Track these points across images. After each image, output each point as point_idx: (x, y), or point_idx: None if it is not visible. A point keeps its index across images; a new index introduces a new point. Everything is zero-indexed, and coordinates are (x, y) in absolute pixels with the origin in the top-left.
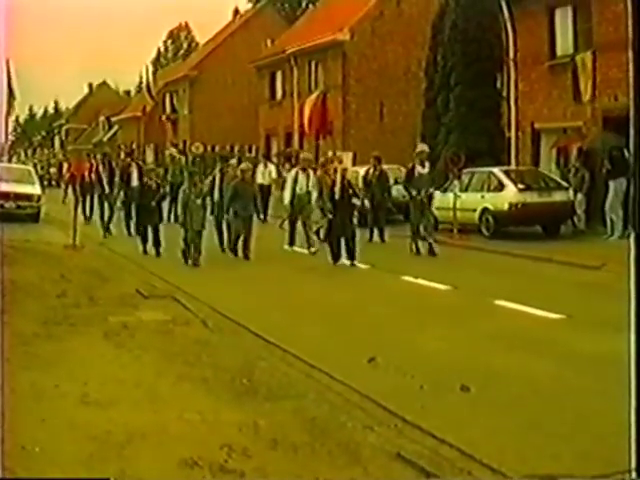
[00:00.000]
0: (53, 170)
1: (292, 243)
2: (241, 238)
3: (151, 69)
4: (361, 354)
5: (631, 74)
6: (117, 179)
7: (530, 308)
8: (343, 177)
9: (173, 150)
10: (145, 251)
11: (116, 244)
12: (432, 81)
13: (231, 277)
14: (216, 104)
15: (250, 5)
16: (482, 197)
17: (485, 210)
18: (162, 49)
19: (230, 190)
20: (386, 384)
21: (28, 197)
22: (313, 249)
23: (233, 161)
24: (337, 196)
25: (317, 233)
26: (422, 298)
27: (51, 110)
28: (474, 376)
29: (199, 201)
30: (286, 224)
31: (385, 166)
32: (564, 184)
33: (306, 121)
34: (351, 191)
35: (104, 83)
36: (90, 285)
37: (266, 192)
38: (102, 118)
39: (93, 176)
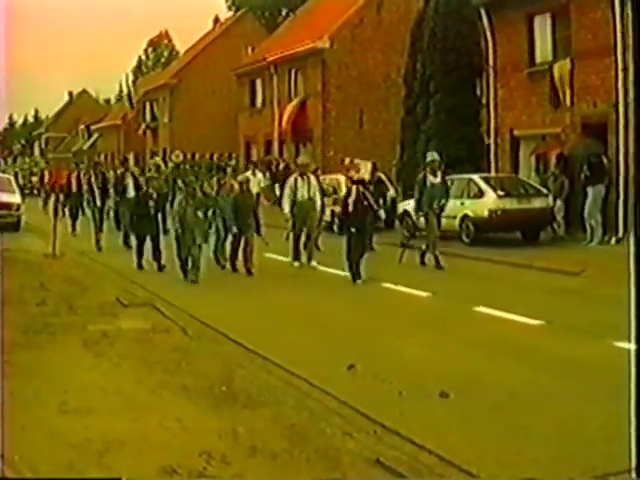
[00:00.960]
0: (35, 179)
1: (297, 257)
2: (240, 251)
3: (131, 77)
4: (341, 361)
5: (631, 76)
6: (111, 189)
7: (509, 314)
8: (358, 188)
9: (158, 159)
10: (140, 266)
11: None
12: (411, 88)
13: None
14: (196, 112)
15: (230, 13)
16: (462, 204)
17: (465, 217)
18: (143, 57)
19: (230, 203)
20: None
21: (8, 206)
22: (297, 263)
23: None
24: (350, 209)
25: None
26: (402, 305)
27: (31, 119)
28: (453, 382)
29: (200, 213)
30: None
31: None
32: (543, 191)
33: (285, 127)
34: (366, 203)
35: (84, 91)
36: (70, 294)
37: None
38: (82, 126)
39: (84, 186)
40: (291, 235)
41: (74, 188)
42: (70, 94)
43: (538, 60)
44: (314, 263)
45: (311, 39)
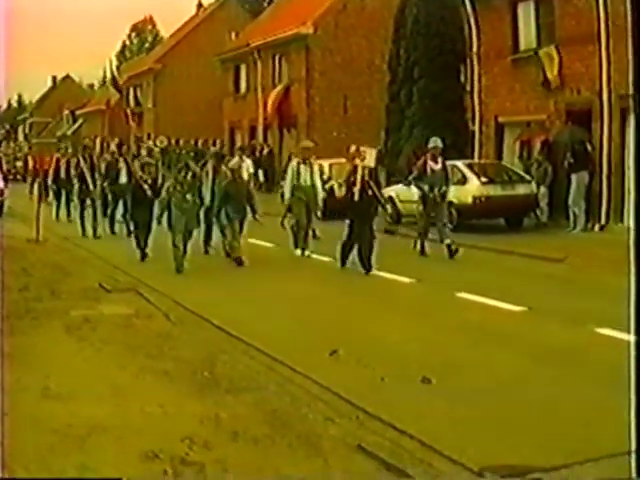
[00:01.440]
0: (19, 164)
1: (299, 245)
2: (232, 240)
3: (115, 62)
4: (323, 346)
5: (631, 71)
6: (102, 175)
7: (492, 300)
8: (363, 177)
9: (150, 143)
10: (144, 256)
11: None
12: (395, 74)
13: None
14: (180, 97)
15: None
16: None
17: (449, 203)
18: (127, 42)
19: (221, 191)
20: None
21: None
22: (298, 251)
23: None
24: (356, 198)
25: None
26: (386, 291)
27: (14, 104)
28: (435, 368)
29: (190, 197)
30: (286, 222)
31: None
32: (527, 177)
33: (270, 113)
34: (371, 192)
35: (68, 77)
36: (52, 279)
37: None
38: (66, 112)
39: (72, 171)
40: (286, 222)
41: (62, 173)
42: (54, 79)
43: (522, 47)
44: (307, 253)
45: (295, 25)
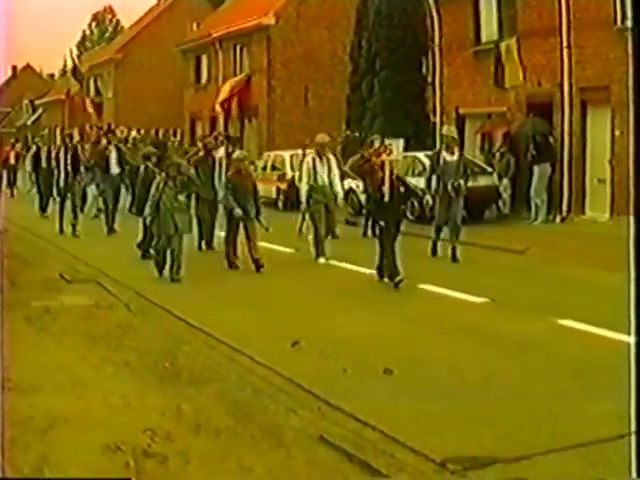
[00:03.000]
0: None
1: (320, 252)
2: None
3: (76, 52)
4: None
5: (630, 70)
6: (89, 164)
7: (454, 292)
8: (392, 172)
9: (134, 133)
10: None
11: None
12: (357, 66)
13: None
14: (141, 87)
15: None
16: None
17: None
18: (87, 32)
19: (225, 185)
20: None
21: None
22: (322, 259)
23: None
24: (386, 198)
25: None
26: (346, 283)
27: None
28: (397, 359)
29: (182, 197)
30: (305, 228)
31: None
32: (488, 169)
33: (218, 107)
34: (403, 189)
35: (28, 66)
36: (13, 269)
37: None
38: (26, 101)
39: (53, 162)
40: (304, 227)
41: (44, 163)
42: (14, 68)
43: (484, 39)
44: (322, 260)
45: (256, 15)
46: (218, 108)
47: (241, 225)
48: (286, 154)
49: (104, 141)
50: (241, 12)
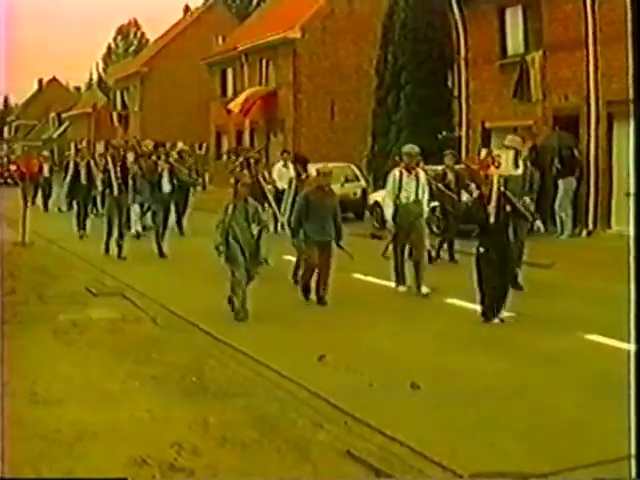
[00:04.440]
0: (13, 167)
1: (401, 280)
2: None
3: (102, 65)
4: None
5: (630, 72)
6: (143, 181)
7: (475, 305)
8: (499, 189)
9: (180, 144)
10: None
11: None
12: (383, 79)
13: None
14: (167, 101)
15: (201, 2)
16: None
17: (436, 208)
18: (112, 45)
19: (299, 201)
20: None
21: None
22: (425, 290)
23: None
24: (492, 219)
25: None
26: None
27: (0, 106)
28: (425, 374)
29: (254, 225)
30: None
31: (335, 164)
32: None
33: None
34: (509, 208)
35: (54, 79)
36: (39, 282)
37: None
38: (52, 114)
39: (101, 176)
40: (391, 248)
41: (83, 178)
42: (40, 82)
43: (510, 52)
44: (425, 289)
45: (282, 29)
46: (234, 108)
47: (315, 252)
48: (312, 168)
49: (154, 156)
50: (267, 25)
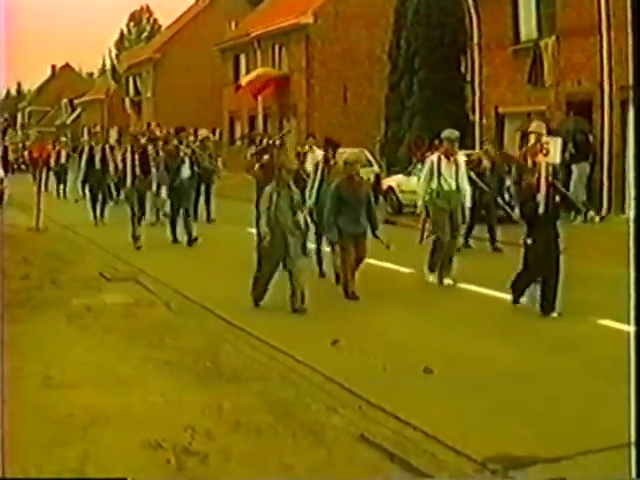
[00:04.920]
0: (27, 153)
1: (434, 268)
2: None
3: (114, 51)
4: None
5: (630, 64)
6: (161, 168)
7: (494, 291)
8: (548, 179)
9: (204, 131)
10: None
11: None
12: (396, 65)
13: None
14: (180, 87)
15: None
16: None
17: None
18: (125, 31)
19: (332, 194)
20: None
21: None
22: (448, 280)
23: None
24: (541, 209)
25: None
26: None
27: (13, 92)
28: (438, 359)
29: (300, 212)
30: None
31: (348, 149)
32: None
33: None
34: (558, 199)
35: (67, 65)
36: (53, 268)
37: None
38: (65, 100)
39: (119, 164)
40: (430, 237)
41: (97, 165)
42: (53, 68)
43: (523, 38)
44: (448, 280)
45: (295, 14)
46: (243, 83)
47: (351, 244)
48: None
49: (175, 141)
50: (280, 11)
